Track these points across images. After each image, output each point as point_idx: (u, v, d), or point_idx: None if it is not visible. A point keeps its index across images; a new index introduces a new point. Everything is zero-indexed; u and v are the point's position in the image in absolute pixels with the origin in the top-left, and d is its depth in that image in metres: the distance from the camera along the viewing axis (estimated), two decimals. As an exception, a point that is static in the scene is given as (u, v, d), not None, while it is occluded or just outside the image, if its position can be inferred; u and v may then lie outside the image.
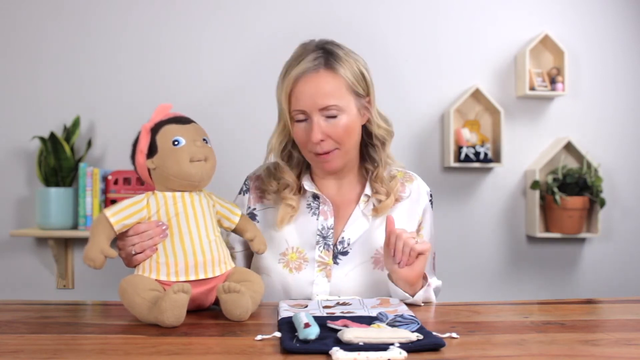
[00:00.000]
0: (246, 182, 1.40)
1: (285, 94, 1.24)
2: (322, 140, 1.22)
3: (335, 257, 1.29)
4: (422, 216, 1.36)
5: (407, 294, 1.18)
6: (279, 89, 1.27)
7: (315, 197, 1.32)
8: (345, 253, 1.29)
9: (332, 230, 1.30)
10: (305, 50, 1.26)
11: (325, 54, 1.25)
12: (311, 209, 1.32)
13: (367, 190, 1.32)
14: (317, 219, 1.31)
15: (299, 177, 1.33)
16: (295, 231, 1.30)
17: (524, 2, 2.55)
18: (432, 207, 1.40)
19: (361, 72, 1.27)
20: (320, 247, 1.28)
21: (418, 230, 1.35)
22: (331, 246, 1.29)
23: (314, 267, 1.27)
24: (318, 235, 1.29)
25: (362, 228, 1.30)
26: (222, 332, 0.93)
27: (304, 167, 1.35)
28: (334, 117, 1.22)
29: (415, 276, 1.17)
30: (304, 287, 1.27)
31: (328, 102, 1.21)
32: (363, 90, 1.27)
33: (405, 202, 1.35)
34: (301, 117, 1.24)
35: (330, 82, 1.22)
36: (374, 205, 1.32)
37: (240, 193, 1.39)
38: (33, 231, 2.32)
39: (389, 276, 1.22)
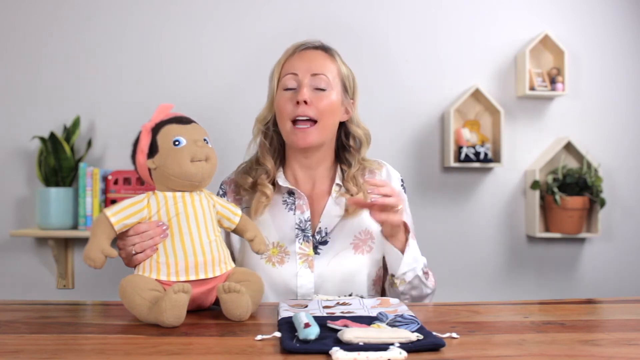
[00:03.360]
0: (222, 187, 1.43)
1: (279, 63, 1.34)
2: (305, 103, 1.27)
3: (315, 248, 1.32)
4: None
5: (398, 252, 1.25)
6: (274, 67, 1.36)
7: (290, 192, 1.36)
8: (324, 242, 1.32)
9: (309, 223, 1.33)
10: (306, 39, 1.38)
11: (325, 45, 1.37)
12: (287, 204, 1.35)
13: (338, 179, 1.37)
14: (294, 214, 1.34)
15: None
16: (274, 227, 1.33)
17: (524, 2, 2.55)
18: (405, 192, 1.44)
19: (352, 76, 1.38)
20: (300, 239, 1.32)
21: None
22: (310, 237, 1.32)
23: (296, 259, 1.30)
24: (297, 228, 1.32)
25: (337, 216, 1.34)
26: (222, 332, 0.93)
27: (278, 160, 1.38)
28: (322, 90, 1.30)
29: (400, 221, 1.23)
30: (289, 279, 1.29)
31: (321, 70, 1.30)
32: (350, 90, 1.37)
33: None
34: (290, 83, 1.31)
35: (327, 60, 1.34)
36: (345, 200, 1.36)
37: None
38: (33, 231, 2.32)
39: (383, 233, 1.27)
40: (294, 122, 1.29)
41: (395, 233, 1.25)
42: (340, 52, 1.41)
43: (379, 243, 1.34)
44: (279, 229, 1.33)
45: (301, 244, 1.31)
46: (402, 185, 1.44)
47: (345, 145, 1.40)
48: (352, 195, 1.35)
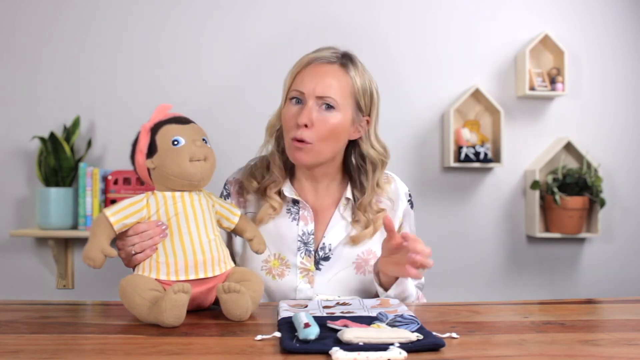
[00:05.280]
0: (226, 187, 1.38)
1: (292, 74, 1.28)
2: (305, 126, 1.22)
3: (317, 263, 1.29)
4: (403, 218, 1.37)
5: (382, 290, 1.21)
6: (289, 72, 1.30)
7: (295, 202, 1.32)
8: (327, 259, 1.29)
9: (312, 236, 1.29)
10: (328, 46, 1.30)
11: (345, 55, 1.29)
12: (291, 214, 1.31)
13: (348, 193, 1.32)
14: (298, 224, 1.30)
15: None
16: (276, 237, 1.30)
17: (524, 2, 2.55)
18: (412, 208, 1.40)
19: (370, 89, 1.29)
20: (301, 253, 1.28)
21: (398, 232, 1.34)
22: (312, 252, 1.28)
23: (297, 273, 1.28)
24: (299, 241, 1.29)
25: (343, 232, 1.30)
26: (222, 332, 0.93)
27: (288, 168, 1.33)
28: (328, 110, 1.23)
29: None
30: (287, 293, 1.27)
31: (328, 92, 1.23)
32: (365, 106, 1.28)
33: (383, 205, 1.35)
34: (297, 97, 1.25)
35: (339, 77, 1.25)
36: (353, 229, 1.31)
37: (220, 197, 1.38)
38: (33, 231, 2.32)
39: (376, 273, 1.23)
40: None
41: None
42: None
43: None
44: (282, 240, 1.29)
45: (303, 257, 1.28)
46: (409, 200, 1.39)
47: (358, 166, 1.32)
48: (358, 223, 1.31)
